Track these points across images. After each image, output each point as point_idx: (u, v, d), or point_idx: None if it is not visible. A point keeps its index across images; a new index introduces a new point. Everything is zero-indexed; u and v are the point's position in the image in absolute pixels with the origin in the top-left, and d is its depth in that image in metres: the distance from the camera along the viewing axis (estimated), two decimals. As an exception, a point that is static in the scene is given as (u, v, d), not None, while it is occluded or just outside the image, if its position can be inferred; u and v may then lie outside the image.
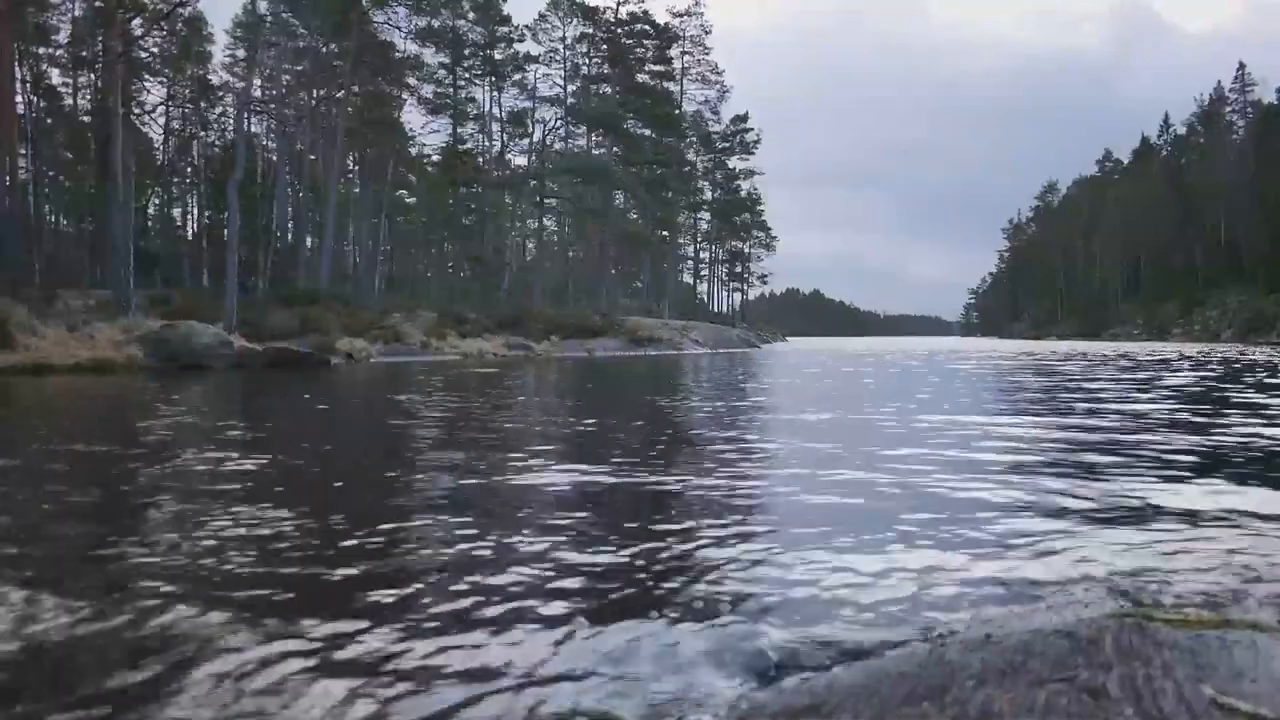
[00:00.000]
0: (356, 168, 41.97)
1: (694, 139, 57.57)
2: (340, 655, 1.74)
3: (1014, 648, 1.22)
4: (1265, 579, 2.22)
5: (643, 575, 2.34)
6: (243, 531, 2.82)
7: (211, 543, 2.67)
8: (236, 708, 1.51)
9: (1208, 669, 1.07)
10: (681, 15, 53.20)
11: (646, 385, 12.72)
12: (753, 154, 61.47)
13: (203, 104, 39.83)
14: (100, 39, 27.94)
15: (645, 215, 51.34)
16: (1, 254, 19.96)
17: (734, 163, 62.09)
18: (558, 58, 47.88)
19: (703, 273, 66.68)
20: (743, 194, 64.00)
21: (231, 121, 36.02)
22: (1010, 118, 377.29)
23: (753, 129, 60.11)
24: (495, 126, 45.80)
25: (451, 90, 42.32)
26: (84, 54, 34.90)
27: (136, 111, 35.10)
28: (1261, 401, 8.09)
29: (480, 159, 44.40)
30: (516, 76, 45.12)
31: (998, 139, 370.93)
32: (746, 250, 67.34)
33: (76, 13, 35.04)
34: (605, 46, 49.18)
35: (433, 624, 1.93)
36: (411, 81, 40.58)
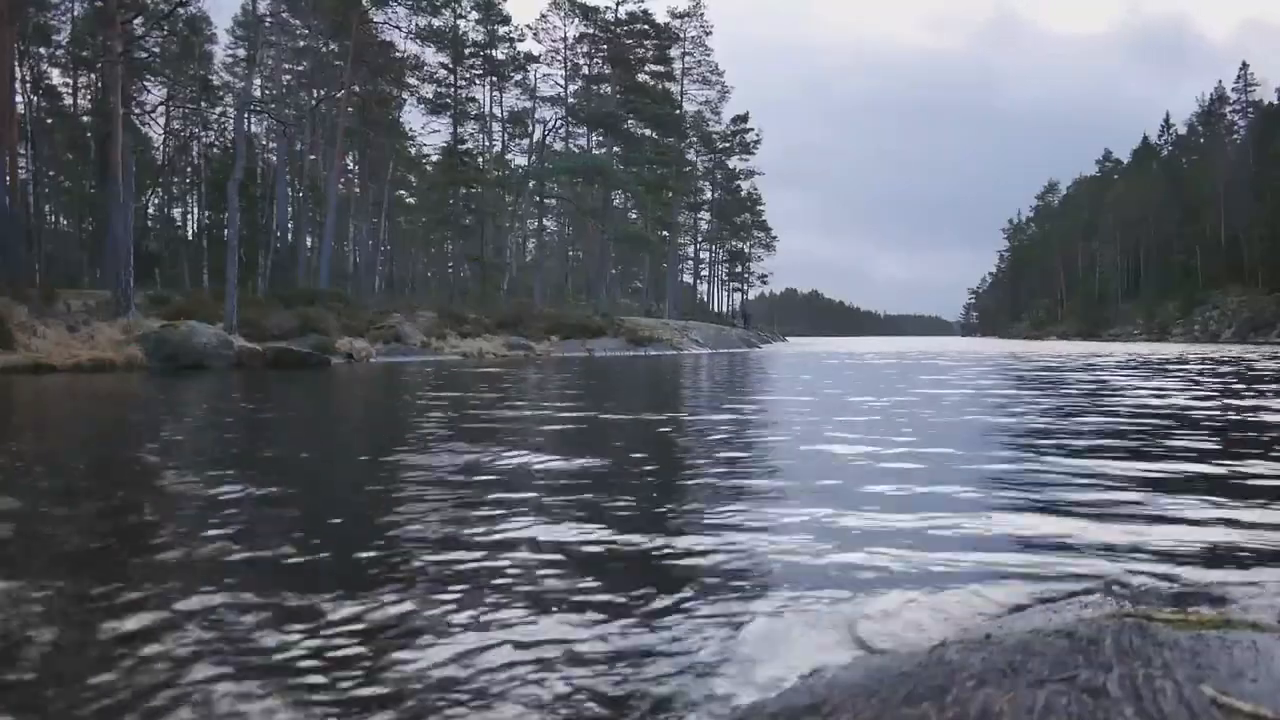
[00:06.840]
0: (356, 168, 41.98)
1: (694, 139, 57.58)
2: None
3: (1014, 648, 1.22)
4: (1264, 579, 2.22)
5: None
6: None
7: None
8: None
9: (1208, 669, 1.07)
10: (682, 16, 53.23)
11: (653, 398, 12.69)
12: (753, 154, 61.59)
13: (203, 104, 39.83)
14: (100, 39, 27.93)
15: (645, 215, 51.34)
16: (2, 254, 19.96)
17: (734, 163, 62.21)
18: (558, 57, 47.95)
19: (703, 273, 66.81)
20: (743, 194, 64.07)
21: (231, 121, 36.00)
22: (1005, 116, 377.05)
23: (753, 129, 60.23)
24: (495, 126, 45.87)
25: (452, 90, 42.33)
26: (84, 54, 34.93)
27: (136, 111, 35.11)
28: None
29: (480, 159, 44.39)
30: (517, 76, 45.18)
31: (995, 139, 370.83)
32: (746, 250, 67.40)
33: (76, 13, 35.12)
34: (606, 46, 49.17)
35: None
36: (411, 81, 40.62)
